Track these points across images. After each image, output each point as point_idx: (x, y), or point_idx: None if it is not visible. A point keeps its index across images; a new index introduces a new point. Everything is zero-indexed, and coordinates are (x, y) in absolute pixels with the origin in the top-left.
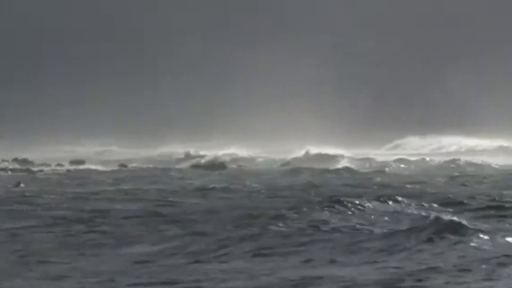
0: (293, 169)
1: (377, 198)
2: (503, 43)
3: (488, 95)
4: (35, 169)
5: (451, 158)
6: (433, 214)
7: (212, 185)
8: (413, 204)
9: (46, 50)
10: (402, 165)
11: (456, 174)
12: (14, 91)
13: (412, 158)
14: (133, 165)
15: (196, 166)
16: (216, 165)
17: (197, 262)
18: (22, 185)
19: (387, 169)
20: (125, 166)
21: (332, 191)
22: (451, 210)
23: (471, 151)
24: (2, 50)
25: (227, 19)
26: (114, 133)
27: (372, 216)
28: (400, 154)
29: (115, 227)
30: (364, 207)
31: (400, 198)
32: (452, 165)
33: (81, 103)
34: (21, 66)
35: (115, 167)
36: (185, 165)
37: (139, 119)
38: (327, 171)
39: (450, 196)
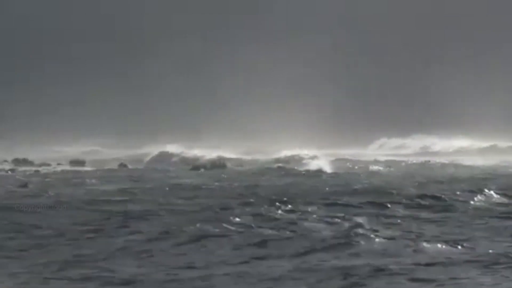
0: (273, 170)
1: (328, 201)
2: (501, 43)
3: (476, 96)
4: (35, 169)
5: (433, 158)
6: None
7: (205, 185)
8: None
9: (46, 50)
10: (381, 167)
11: (435, 174)
12: (14, 91)
13: (398, 159)
14: (133, 166)
15: (195, 167)
16: (215, 165)
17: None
18: (30, 186)
19: (370, 169)
20: (125, 166)
21: (294, 192)
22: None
23: (458, 151)
24: (2, 50)
25: (227, 19)
26: (114, 133)
27: (314, 216)
28: (387, 155)
29: (110, 224)
30: (308, 209)
31: (352, 201)
32: (434, 166)
33: (81, 103)
34: (21, 66)
35: (115, 167)
36: (181, 165)
37: (139, 119)
38: (306, 172)
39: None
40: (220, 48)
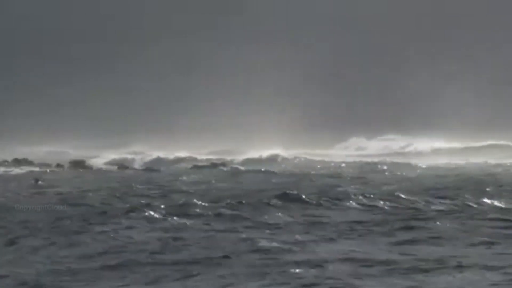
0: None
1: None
2: (496, 45)
3: (453, 97)
4: (35, 169)
5: (396, 159)
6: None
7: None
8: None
9: (46, 50)
10: (349, 169)
11: (374, 176)
12: (14, 91)
13: (368, 159)
14: (132, 166)
15: (195, 167)
16: (214, 165)
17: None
18: (40, 182)
19: (333, 170)
20: (127, 167)
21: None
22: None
23: (434, 152)
24: (2, 50)
25: (227, 19)
26: (115, 133)
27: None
28: (360, 155)
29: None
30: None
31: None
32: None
33: (81, 103)
34: (21, 66)
35: (115, 168)
36: (176, 165)
37: (139, 120)
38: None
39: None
40: (220, 48)
